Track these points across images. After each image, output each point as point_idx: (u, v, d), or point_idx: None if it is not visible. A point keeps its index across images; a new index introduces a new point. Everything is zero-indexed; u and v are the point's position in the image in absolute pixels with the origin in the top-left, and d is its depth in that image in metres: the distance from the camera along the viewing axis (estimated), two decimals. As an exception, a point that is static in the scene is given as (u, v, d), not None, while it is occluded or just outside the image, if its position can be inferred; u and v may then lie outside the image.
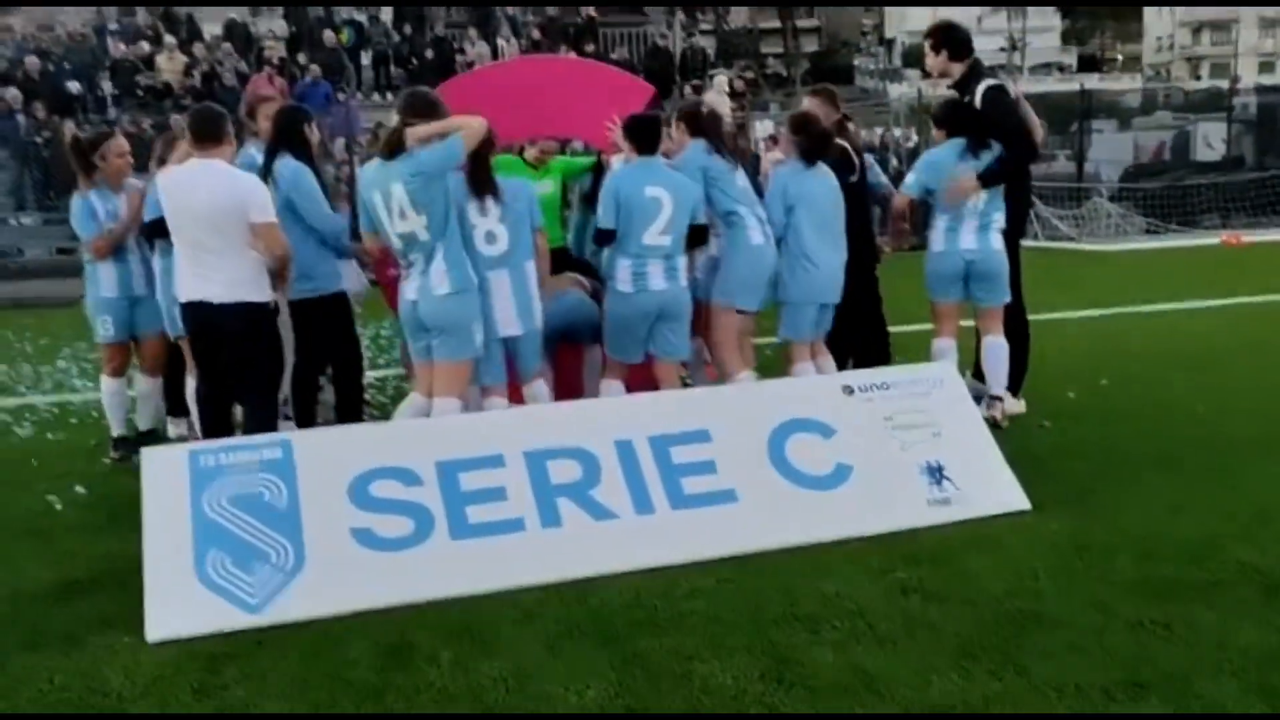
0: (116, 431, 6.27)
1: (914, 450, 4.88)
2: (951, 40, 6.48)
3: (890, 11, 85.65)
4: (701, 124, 5.84)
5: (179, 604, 3.86)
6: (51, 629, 3.90)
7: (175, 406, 6.55)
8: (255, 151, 5.88)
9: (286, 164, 5.60)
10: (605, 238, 5.54)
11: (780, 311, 6.02)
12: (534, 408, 5.15)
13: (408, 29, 22.09)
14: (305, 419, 5.72)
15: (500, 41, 21.39)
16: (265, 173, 5.45)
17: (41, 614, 4.05)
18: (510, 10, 22.71)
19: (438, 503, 4.28)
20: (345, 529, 4.16)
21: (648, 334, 5.58)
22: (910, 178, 6.37)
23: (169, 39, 19.98)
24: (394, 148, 4.88)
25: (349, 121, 18.24)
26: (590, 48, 21.51)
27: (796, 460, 4.74)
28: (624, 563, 4.25)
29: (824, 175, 5.97)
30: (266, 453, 4.31)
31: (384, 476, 4.32)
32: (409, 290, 5.01)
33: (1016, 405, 6.52)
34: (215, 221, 4.87)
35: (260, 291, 5.02)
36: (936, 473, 4.83)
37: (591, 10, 23.57)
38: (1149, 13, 78.73)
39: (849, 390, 5.05)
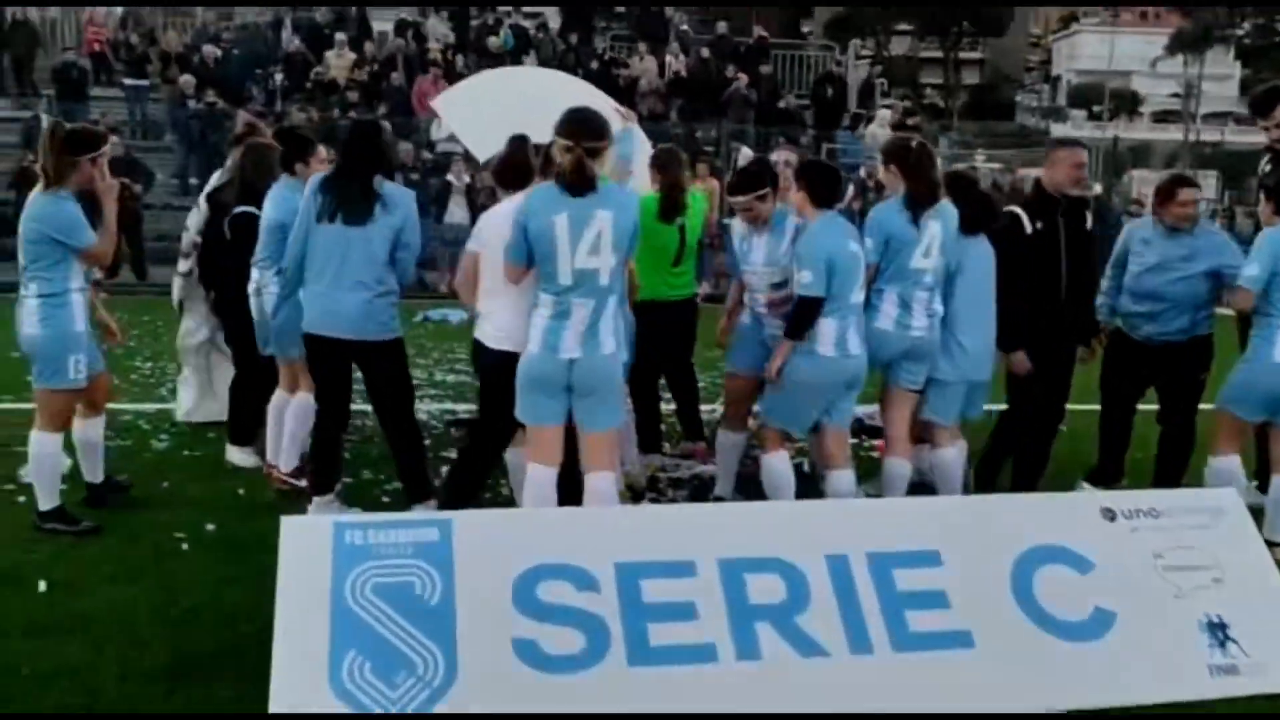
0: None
1: (1191, 599, 3.96)
2: None
3: (1059, 48, 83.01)
4: (909, 164, 5.13)
5: (306, 715, 3.23)
6: (159, 725, 3.34)
7: (241, 434, 6.26)
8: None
9: (395, 188, 5.03)
10: (813, 305, 4.86)
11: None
12: (732, 506, 4.42)
13: (574, 38, 21.73)
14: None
15: (669, 58, 20.83)
16: (367, 195, 4.86)
17: (148, 700, 3.49)
18: (683, 26, 22.14)
19: (615, 616, 3.56)
20: (506, 638, 3.47)
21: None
22: (1254, 269, 5.17)
23: (339, 35, 20.00)
24: (585, 178, 4.21)
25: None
26: (765, 69, 20.73)
27: (1046, 599, 3.86)
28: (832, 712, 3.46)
29: (981, 244, 5.32)
30: (422, 534, 3.66)
31: (555, 576, 3.62)
32: (568, 345, 4.27)
33: None
34: None
35: None
36: (1219, 630, 3.90)
37: (762, 30, 22.85)
38: (1340, 65, 74.14)
39: (1110, 514, 4.15)
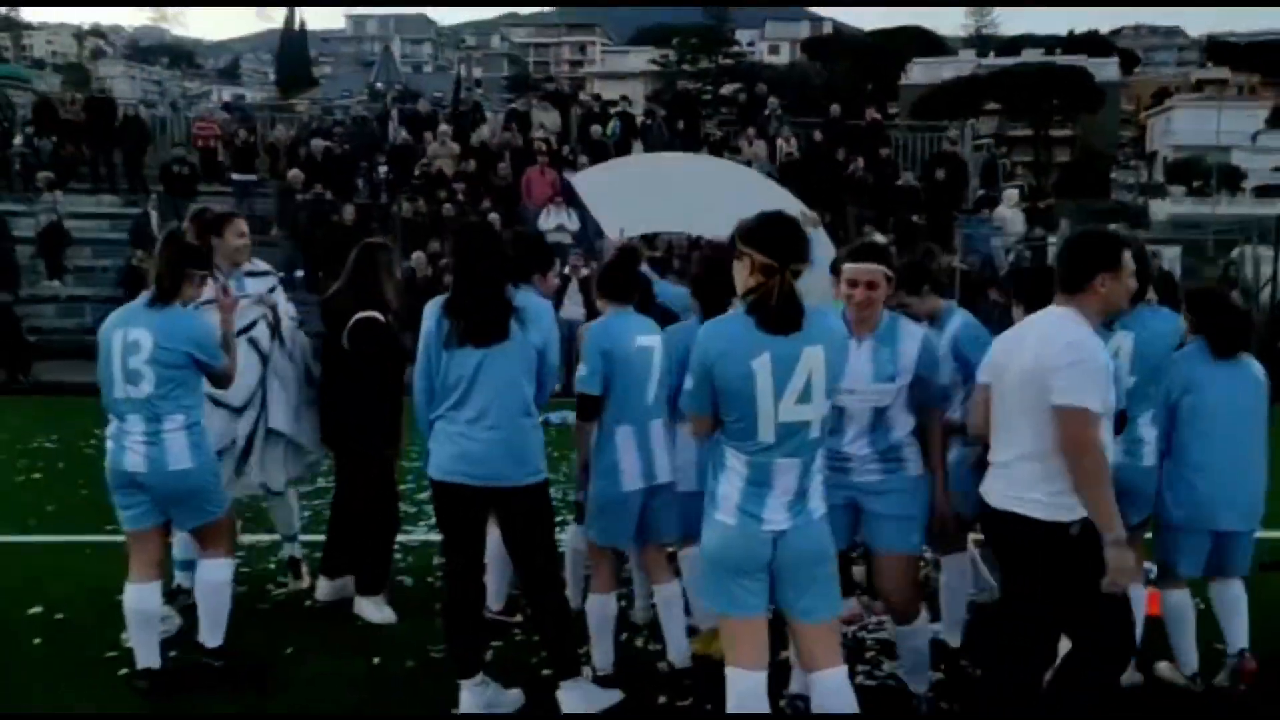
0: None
1: None
2: None
3: (1154, 124, 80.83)
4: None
5: None
6: None
7: (370, 582, 5.43)
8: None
9: (531, 298, 4.15)
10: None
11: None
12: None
13: (681, 124, 21.13)
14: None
15: (780, 141, 20.07)
16: (500, 310, 4.03)
17: None
18: (778, 111, 21.35)
19: None
20: None
21: None
22: None
23: (443, 127, 19.68)
24: (795, 310, 3.25)
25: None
26: (885, 151, 19.84)
27: None
28: None
29: (1237, 369, 4.52)
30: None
31: None
32: (774, 515, 3.31)
33: None
34: None
35: None
36: None
37: (875, 112, 22.04)
38: None
39: None
